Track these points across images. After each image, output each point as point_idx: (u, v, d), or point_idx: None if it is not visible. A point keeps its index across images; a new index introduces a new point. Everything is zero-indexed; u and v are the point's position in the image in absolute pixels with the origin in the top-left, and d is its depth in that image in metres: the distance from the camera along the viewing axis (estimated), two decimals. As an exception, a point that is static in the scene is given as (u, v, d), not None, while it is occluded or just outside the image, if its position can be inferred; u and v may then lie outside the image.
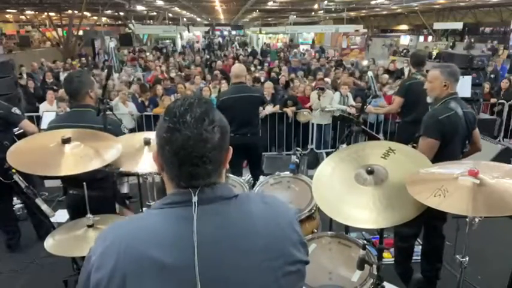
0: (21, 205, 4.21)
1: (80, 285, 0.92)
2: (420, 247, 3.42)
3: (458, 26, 25.39)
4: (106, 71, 2.93)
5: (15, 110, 3.44)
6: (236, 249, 0.89)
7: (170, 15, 29.03)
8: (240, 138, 3.92)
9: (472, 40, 24.91)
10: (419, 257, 3.16)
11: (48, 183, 4.79)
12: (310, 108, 6.52)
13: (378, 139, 2.76)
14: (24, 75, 10.05)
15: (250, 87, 4.11)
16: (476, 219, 1.80)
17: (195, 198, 0.89)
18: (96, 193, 2.31)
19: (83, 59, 16.45)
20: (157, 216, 0.92)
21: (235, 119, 3.87)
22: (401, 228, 2.83)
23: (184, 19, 34.00)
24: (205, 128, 0.88)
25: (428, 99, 2.82)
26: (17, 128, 3.58)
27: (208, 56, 17.41)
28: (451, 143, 2.62)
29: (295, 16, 26.98)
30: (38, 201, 2.32)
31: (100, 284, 0.85)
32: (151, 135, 2.56)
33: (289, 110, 6.40)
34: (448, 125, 2.59)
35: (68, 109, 5.50)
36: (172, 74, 9.67)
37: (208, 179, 0.92)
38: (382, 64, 12.21)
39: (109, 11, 24.75)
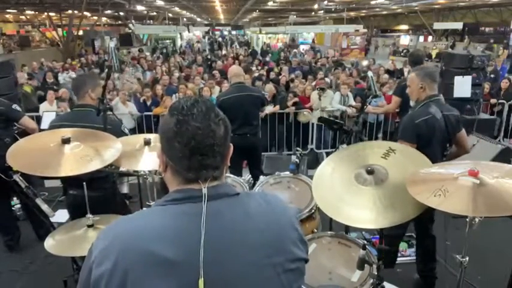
0: (20, 205, 4.20)
1: (81, 281, 0.92)
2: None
3: (458, 26, 25.35)
4: (106, 71, 2.93)
5: (16, 107, 3.46)
6: (238, 246, 0.90)
7: (170, 15, 29.01)
8: (239, 139, 3.89)
9: (492, 40, 24.49)
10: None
11: (48, 183, 4.79)
12: (311, 108, 6.53)
13: (348, 132, 2.72)
14: (25, 75, 10.05)
15: (249, 87, 4.09)
16: (476, 219, 1.80)
17: (204, 190, 0.92)
18: (96, 193, 2.31)
19: (83, 58, 16.45)
20: (160, 213, 0.94)
21: (234, 119, 3.85)
22: (387, 230, 2.83)
23: (184, 19, 33.99)
24: (213, 121, 0.92)
25: (411, 103, 2.82)
26: (16, 127, 3.58)
27: (209, 56, 17.39)
28: (429, 147, 2.57)
29: (295, 16, 26.96)
30: (38, 201, 2.32)
31: (101, 279, 0.85)
32: (151, 135, 2.57)
33: (290, 102, 6.42)
34: (425, 128, 2.57)
35: (68, 109, 5.51)
36: (176, 75, 9.67)
37: (215, 172, 0.95)
38: (383, 64, 12.19)
39: (109, 11, 24.72)
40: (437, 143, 2.66)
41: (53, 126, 2.59)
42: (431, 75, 2.69)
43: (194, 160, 0.92)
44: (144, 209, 2.62)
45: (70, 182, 2.58)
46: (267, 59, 15.24)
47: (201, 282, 0.84)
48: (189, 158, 0.91)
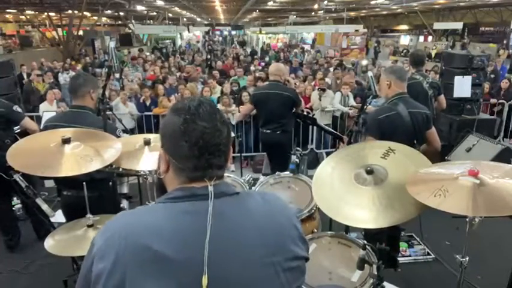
0: (21, 205, 4.20)
1: (81, 276, 0.92)
2: (420, 247, 3.44)
3: (458, 26, 25.32)
4: (106, 71, 2.94)
5: (17, 108, 3.45)
6: (237, 245, 0.90)
7: (170, 15, 29.01)
8: (265, 134, 4.10)
9: (505, 42, 24.31)
10: (418, 257, 3.16)
11: (48, 183, 4.80)
12: (311, 109, 6.52)
13: (341, 138, 2.77)
14: (25, 75, 10.05)
15: (282, 86, 4.09)
16: (476, 219, 1.80)
17: (211, 188, 0.93)
18: (91, 193, 2.29)
19: (81, 57, 16.44)
20: (160, 210, 0.94)
21: (262, 114, 4.09)
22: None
23: (184, 19, 33.99)
24: (219, 121, 0.94)
25: (380, 100, 2.88)
26: (17, 127, 3.57)
27: (208, 56, 17.35)
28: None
29: (295, 16, 26.96)
30: (39, 201, 2.32)
31: (102, 275, 0.86)
32: (151, 135, 2.56)
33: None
34: (387, 124, 2.69)
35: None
36: (176, 75, 9.67)
37: (220, 171, 0.97)
38: (383, 64, 12.17)
39: (109, 11, 24.72)
40: (400, 139, 2.60)
41: (47, 126, 2.57)
42: (396, 72, 2.82)
43: (202, 159, 0.93)
44: (148, 204, 2.62)
45: (64, 182, 2.56)
46: (263, 60, 15.17)
47: (204, 279, 0.84)
48: (198, 157, 0.93)
